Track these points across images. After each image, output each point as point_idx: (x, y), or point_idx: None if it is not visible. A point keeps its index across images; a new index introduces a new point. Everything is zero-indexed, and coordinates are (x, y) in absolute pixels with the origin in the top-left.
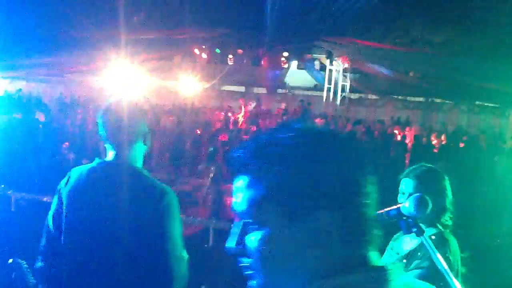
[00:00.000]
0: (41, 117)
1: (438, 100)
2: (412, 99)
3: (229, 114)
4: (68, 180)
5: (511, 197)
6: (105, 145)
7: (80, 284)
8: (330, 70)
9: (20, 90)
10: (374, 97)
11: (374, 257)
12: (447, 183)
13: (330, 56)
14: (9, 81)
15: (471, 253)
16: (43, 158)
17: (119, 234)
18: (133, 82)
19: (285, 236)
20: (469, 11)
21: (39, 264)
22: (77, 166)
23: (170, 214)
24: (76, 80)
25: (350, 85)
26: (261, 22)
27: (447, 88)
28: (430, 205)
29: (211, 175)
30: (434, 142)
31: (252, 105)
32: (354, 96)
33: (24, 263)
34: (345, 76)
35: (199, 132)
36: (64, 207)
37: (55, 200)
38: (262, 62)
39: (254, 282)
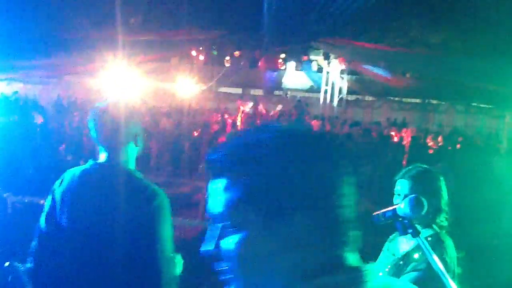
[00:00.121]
0: (38, 119)
1: (434, 102)
2: (409, 100)
3: (226, 116)
4: (62, 181)
5: (507, 198)
6: (97, 147)
7: (69, 285)
8: (327, 72)
9: (16, 92)
10: (371, 98)
11: (352, 259)
12: (442, 184)
13: (327, 57)
14: (5, 83)
15: (467, 253)
16: (40, 160)
17: (109, 235)
18: (130, 84)
19: (262, 238)
20: (466, 12)
21: (28, 265)
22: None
23: (160, 216)
24: (73, 82)
25: (347, 86)
26: (258, 24)
27: (443, 89)
28: (426, 206)
29: None
30: (431, 143)
31: (249, 105)
32: (351, 97)
33: (21, 266)
34: (342, 78)
35: (196, 134)
36: (57, 208)
37: (48, 201)
38: (259, 64)
39: (232, 287)
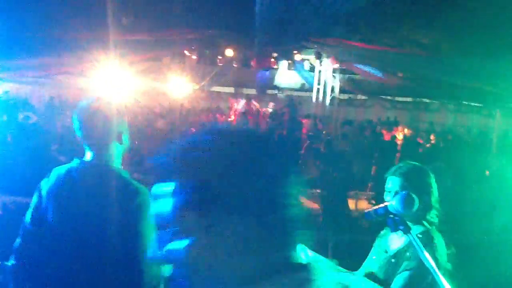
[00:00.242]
0: (29, 119)
1: (426, 100)
2: (400, 99)
3: (217, 115)
4: (48, 179)
5: (497, 195)
6: (83, 146)
7: (52, 282)
8: (320, 71)
9: (7, 92)
10: (363, 97)
11: (300, 258)
12: (432, 181)
13: (319, 57)
14: None
15: (457, 250)
16: (32, 160)
17: (92, 233)
18: (122, 84)
19: (207, 244)
20: (457, 13)
21: (11, 262)
22: None
23: (142, 214)
24: (65, 81)
25: (340, 85)
26: (250, 23)
27: (435, 88)
28: (417, 203)
29: None
30: (422, 141)
31: (241, 103)
32: (344, 96)
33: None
34: (334, 77)
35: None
36: (42, 205)
37: (34, 198)
38: (252, 63)
39: None
